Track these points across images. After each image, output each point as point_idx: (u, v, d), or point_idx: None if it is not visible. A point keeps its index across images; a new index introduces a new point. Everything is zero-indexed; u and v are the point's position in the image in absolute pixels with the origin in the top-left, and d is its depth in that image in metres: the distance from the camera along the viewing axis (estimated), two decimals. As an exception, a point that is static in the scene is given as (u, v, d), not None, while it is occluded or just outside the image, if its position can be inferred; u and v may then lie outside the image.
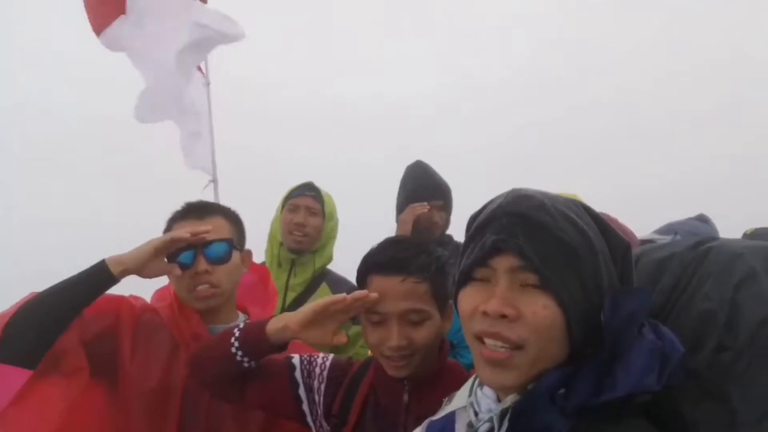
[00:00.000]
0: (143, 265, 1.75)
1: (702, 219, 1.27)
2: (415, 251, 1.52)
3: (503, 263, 1.01)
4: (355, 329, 2.74)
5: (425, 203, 3.10)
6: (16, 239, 4.88)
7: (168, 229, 1.92)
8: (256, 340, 1.60)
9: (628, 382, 0.93)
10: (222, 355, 1.63)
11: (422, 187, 3.19)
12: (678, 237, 1.39)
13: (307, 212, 2.99)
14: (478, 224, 1.07)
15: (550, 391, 0.97)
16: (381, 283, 1.50)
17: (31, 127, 5.21)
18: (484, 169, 5.60)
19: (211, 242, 1.81)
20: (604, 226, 1.06)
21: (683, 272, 1.11)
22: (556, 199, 1.05)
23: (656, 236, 1.38)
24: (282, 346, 1.63)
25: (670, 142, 6.39)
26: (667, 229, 1.38)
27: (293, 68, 6.22)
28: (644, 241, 1.52)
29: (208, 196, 3.46)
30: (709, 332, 1.01)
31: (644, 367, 0.93)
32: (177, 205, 1.93)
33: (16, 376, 1.61)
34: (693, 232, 1.35)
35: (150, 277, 1.82)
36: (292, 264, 2.99)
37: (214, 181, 3.61)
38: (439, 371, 1.54)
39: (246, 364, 1.61)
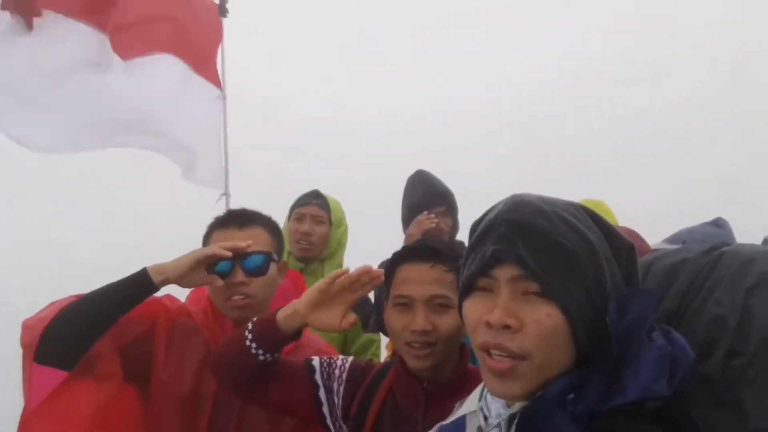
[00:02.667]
0: (183, 275, 1.76)
1: (717, 224, 1.23)
2: (447, 245, 1.56)
3: (504, 273, 0.99)
4: (366, 337, 2.76)
5: (431, 215, 3.05)
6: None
7: (208, 235, 1.93)
8: (268, 330, 1.60)
9: (637, 388, 0.90)
10: (238, 351, 1.62)
11: (424, 197, 3.16)
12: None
13: (312, 221, 2.97)
14: (479, 233, 1.05)
15: (559, 397, 0.95)
16: (410, 269, 1.52)
17: None
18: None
19: (249, 254, 1.81)
20: (606, 227, 1.04)
21: (695, 277, 1.08)
22: (555, 204, 1.03)
23: (666, 245, 1.36)
24: (294, 335, 1.62)
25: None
26: (675, 238, 1.35)
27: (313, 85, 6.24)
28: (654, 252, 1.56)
29: (220, 210, 3.42)
30: (721, 337, 0.98)
31: (654, 372, 0.91)
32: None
33: (52, 377, 1.64)
34: (702, 240, 1.32)
35: (189, 287, 1.84)
36: (301, 273, 2.90)
37: (226, 194, 3.62)
38: (458, 376, 1.53)
39: (262, 357, 1.60)
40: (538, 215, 0.99)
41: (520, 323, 0.96)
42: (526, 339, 0.96)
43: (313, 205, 3.01)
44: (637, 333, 0.95)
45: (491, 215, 1.04)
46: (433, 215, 3.06)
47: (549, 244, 0.97)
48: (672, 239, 1.26)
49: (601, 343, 0.96)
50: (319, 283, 1.59)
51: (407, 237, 3.11)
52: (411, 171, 3.28)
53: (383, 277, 1.56)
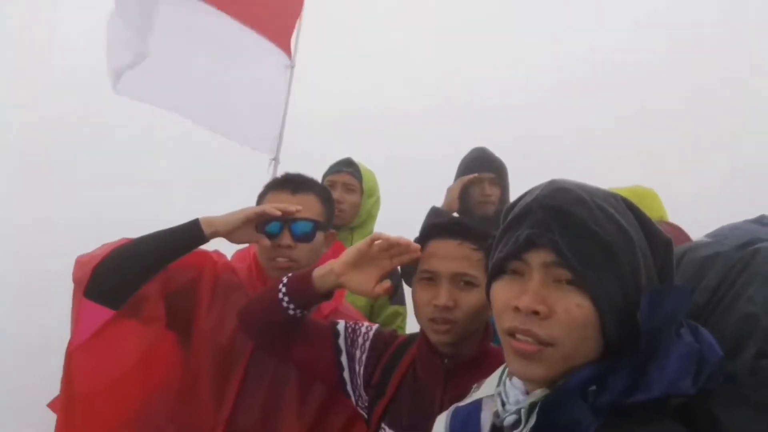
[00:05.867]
0: (233, 230, 1.80)
1: (762, 221, 1.19)
2: (477, 224, 1.54)
3: (537, 258, 0.97)
4: (392, 309, 2.75)
5: (475, 174, 3.04)
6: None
7: (263, 195, 1.96)
8: (302, 285, 1.61)
9: (662, 383, 0.88)
10: (270, 303, 1.64)
11: (474, 160, 3.14)
12: None
13: (343, 188, 2.93)
14: (514, 216, 1.03)
15: (581, 387, 0.93)
16: (438, 244, 1.51)
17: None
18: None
19: (298, 219, 1.84)
20: (644, 221, 1.01)
21: (728, 273, 1.05)
22: (595, 193, 1.00)
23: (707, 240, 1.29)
24: (327, 294, 1.63)
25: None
26: (716, 234, 1.29)
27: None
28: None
29: (269, 177, 3.43)
30: (751, 337, 0.95)
31: (680, 369, 0.89)
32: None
33: (100, 313, 1.69)
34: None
35: (237, 242, 1.88)
36: (329, 239, 2.98)
37: (276, 160, 3.63)
38: (480, 355, 1.52)
39: (291, 312, 1.62)
40: (576, 203, 0.96)
41: (550, 310, 0.94)
42: (555, 327, 0.94)
43: (345, 173, 2.98)
44: (667, 329, 0.93)
45: (528, 199, 1.02)
46: (476, 174, 3.04)
47: (586, 232, 0.94)
48: (713, 235, 1.23)
49: (630, 336, 0.94)
50: (359, 244, 1.59)
51: (447, 192, 3.10)
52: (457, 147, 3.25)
53: (420, 253, 1.55)
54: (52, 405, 1.77)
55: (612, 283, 0.94)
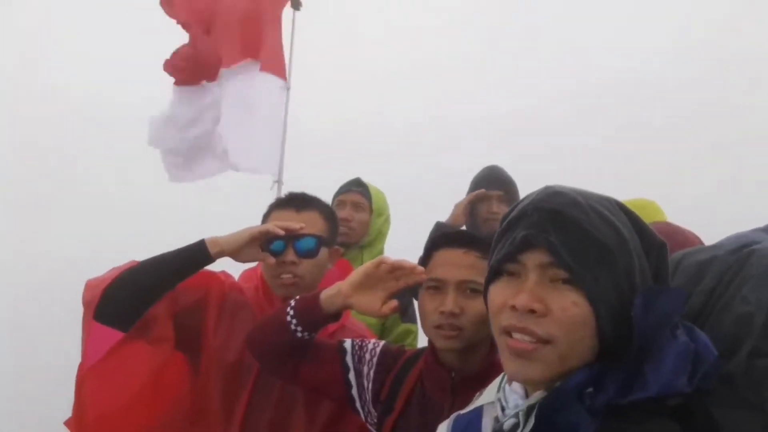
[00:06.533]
0: (238, 249, 1.83)
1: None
2: (483, 235, 1.57)
3: (533, 259, 0.97)
4: (403, 327, 2.75)
5: (482, 190, 3.04)
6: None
7: (268, 214, 1.99)
8: (310, 308, 1.62)
9: (659, 383, 0.88)
10: (278, 326, 1.65)
11: (484, 178, 3.14)
12: None
13: (353, 207, 2.96)
14: (510, 220, 1.04)
15: (578, 389, 0.93)
16: (445, 254, 1.53)
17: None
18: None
19: (302, 236, 1.86)
20: (638, 224, 1.02)
21: (723, 275, 1.06)
22: (589, 196, 1.01)
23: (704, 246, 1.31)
24: (335, 316, 1.64)
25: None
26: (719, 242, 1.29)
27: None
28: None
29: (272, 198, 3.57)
30: (746, 336, 0.96)
31: (676, 368, 0.89)
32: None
33: (109, 336, 1.71)
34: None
35: (243, 261, 1.90)
36: (340, 259, 2.99)
37: (279, 182, 3.72)
38: (487, 367, 1.50)
39: (299, 334, 1.62)
40: (571, 205, 0.98)
41: (546, 309, 0.95)
42: (552, 325, 0.94)
43: (354, 192, 3.02)
44: (662, 330, 0.93)
45: (524, 203, 1.03)
46: (484, 190, 3.04)
47: (580, 233, 0.95)
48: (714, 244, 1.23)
49: (625, 338, 0.94)
50: (366, 265, 1.61)
51: (454, 208, 3.10)
52: (455, 168, 3.28)
53: (424, 276, 1.55)
54: (68, 423, 1.79)
55: (607, 282, 0.94)
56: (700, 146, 5.68)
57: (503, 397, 1.08)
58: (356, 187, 3.06)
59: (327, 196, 3.00)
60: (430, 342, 1.57)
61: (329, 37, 5.55)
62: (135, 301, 1.76)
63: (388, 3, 6.38)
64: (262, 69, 3.67)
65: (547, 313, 0.95)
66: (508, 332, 0.99)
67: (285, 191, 2.18)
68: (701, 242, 1.88)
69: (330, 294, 1.62)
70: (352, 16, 6.04)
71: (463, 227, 3.10)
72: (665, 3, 6.13)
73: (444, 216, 3.16)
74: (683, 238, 1.98)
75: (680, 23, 6.05)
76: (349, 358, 1.68)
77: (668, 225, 2.12)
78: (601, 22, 6.21)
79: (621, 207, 1.04)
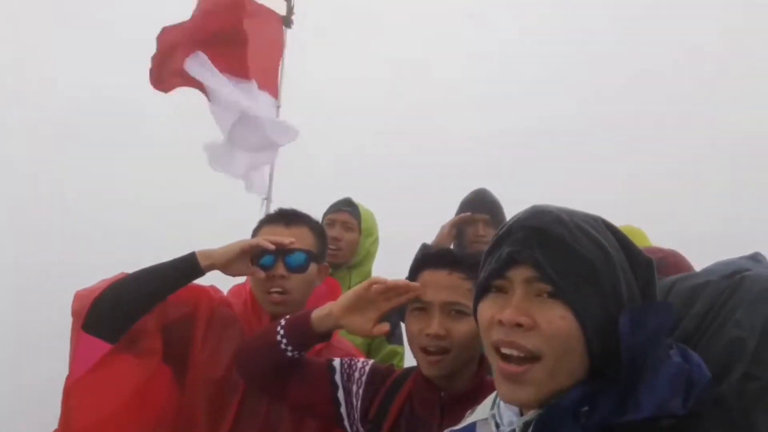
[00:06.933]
0: (229, 262, 1.82)
1: (756, 258, 1.20)
2: (467, 254, 1.57)
3: (519, 274, 0.99)
4: (390, 348, 2.76)
5: (468, 213, 3.06)
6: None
7: (258, 229, 2.00)
8: (300, 327, 1.63)
9: (652, 404, 0.89)
10: (267, 344, 1.66)
11: (471, 202, 3.16)
12: None
13: (342, 227, 2.97)
14: (496, 238, 1.05)
15: (573, 406, 0.93)
16: (429, 275, 1.53)
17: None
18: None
19: (292, 251, 1.87)
20: (625, 242, 1.03)
21: (716, 299, 1.06)
22: (574, 214, 1.03)
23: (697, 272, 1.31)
24: (325, 336, 1.65)
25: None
26: (709, 267, 1.30)
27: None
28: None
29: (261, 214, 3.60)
30: (738, 360, 0.96)
31: (669, 389, 0.89)
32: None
33: (97, 347, 1.70)
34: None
35: (233, 275, 1.89)
36: (328, 278, 2.99)
37: (268, 199, 3.75)
38: (476, 386, 1.52)
39: (289, 353, 1.63)
40: (556, 223, 0.99)
41: (533, 322, 0.95)
42: (539, 338, 0.95)
43: (344, 212, 3.03)
44: (652, 347, 0.94)
45: (510, 222, 1.05)
46: (469, 213, 3.06)
47: (565, 250, 0.97)
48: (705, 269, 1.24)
49: (615, 356, 0.94)
50: (357, 288, 1.62)
51: (440, 230, 3.10)
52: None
53: (419, 292, 1.55)
54: None
55: (592, 297, 0.95)
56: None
57: (498, 413, 1.09)
58: (346, 207, 3.07)
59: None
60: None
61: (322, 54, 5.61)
62: (124, 313, 1.75)
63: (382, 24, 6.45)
64: (261, 87, 3.74)
65: (534, 326, 0.95)
66: (497, 348, 0.99)
67: (274, 208, 2.20)
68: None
69: (321, 314, 1.63)
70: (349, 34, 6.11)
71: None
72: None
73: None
74: (687, 266, 2.00)
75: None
76: (338, 377, 1.68)
77: (675, 254, 2.13)
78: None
79: (607, 225, 1.05)
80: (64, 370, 1.75)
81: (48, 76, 5.26)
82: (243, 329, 1.93)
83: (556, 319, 0.95)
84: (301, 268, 1.90)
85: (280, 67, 3.99)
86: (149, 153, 5.31)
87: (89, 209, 5.11)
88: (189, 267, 1.81)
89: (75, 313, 1.75)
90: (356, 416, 1.63)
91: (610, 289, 0.96)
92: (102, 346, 1.72)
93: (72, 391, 1.71)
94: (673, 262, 1.98)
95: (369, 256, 3.13)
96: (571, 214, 1.03)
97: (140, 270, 1.81)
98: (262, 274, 1.86)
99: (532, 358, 0.96)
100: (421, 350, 1.51)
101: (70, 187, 5.20)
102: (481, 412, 1.17)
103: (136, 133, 5.32)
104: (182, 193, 5.18)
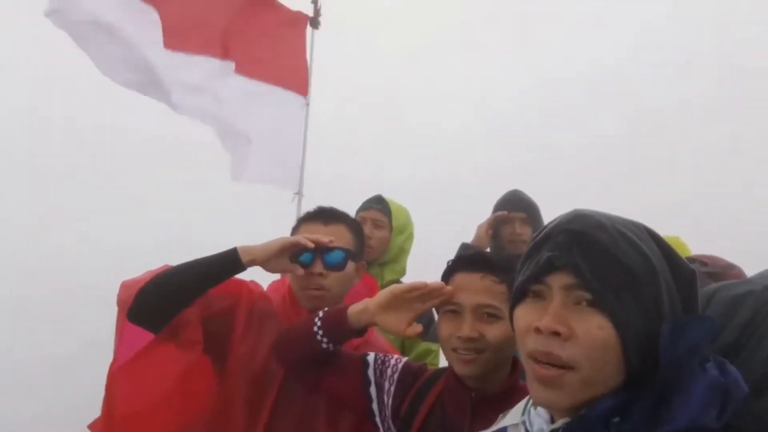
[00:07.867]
0: (269, 259, 1.85)
1: None
2: (501, 257, 1.57)
3: (558, 280, 0.97)
4: (424, 346, 2.76)
5: (504, 212, 3.09)
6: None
7: (296, 227, 2.03)
8: (337, 321, 1.65)
9: (686, 416, 0.87)
10: (305, 336, 1.68)
11: (506, 201, 3.19)
12: None
13: (372, 225, 2.99)
14: (535, 241, 1.03)
15: (604, 417, 0.92)
16: (462, 278, 1.54)
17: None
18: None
19: (331, 249, 1.89)
20: (668, 251, 1.00)
21: (758, 311, 1.05)
22: (616, 220, 1.00)
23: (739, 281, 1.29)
24: (360, 331, 1.67)
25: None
26: (754, 276, 1.29)
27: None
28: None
29: (293, 210, 3.68)
30: None
31: (705, 402, 0.87)
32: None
33: (141, 337, 1.75)
34: None
35: (272, 271, 1.93)
36: (360, 276, 3.00)
37: (300, 194, 3.80)
38: (508, 390, 1.51)
39: (325, 345, 1.66)
40: (597, 228, 0.97)
41: (571, 332, 0.93)
42: (576, 348, 0.93)
43: (374, 210, 3.05)
44: (690, 360, 0.91)
45: (550, 225, 1.03)
46: (506, 212, 3.09)
47: (606, 256, 0.94)
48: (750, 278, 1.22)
49: (654, 367, 0.92)
50: (395, 287, 1.63)
51: (477, 229, 3.15)
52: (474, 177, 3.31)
53: (452, 295, 1.56)
54: (92, 426, 1.83)
55: (633, 307, 0.93)
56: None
57: (528, 419, 1.08)
58: (375, 204, 3.09)
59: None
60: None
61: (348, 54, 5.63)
62: (167, 304, 1.80)
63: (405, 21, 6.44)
64: (283, 86, 3.82)
65: (572, 336, 0.93)
66: (534, 357, 0.98)
67: (305, 204, 2.22)
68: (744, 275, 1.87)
69: (357, 310, 1.65)
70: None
71: (488, 249, 3.13)
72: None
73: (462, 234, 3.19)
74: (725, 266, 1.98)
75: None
76: (370, 372, 1.70)
77: (735, 266, 2.09)
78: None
79: (650, 233, 1.02)
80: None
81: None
82: (282, 324, 1.95)
83: (595, 329, 0.93)
84: (340, 266, 1.92)
85: (308, 66, 4.06)
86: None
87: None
88: (231, 262, 1.84)
89: (120, 302, 1.80)
90: (387, 413, 1.65)
91: (651, 299, 0.94)
92: (145, 336, 1.76)
93: (116, 377, 1.75)
94: (736, 274, 1.93)
95: (402, 252, 3.14)
96: (613, 219, 1.01)
97: (183, 264, 1.85)
98: (301, 271, 1.88)
99: (567, 366, 0.94)
100: (453, 350, 1.51)
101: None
102: (512, 417, 1.16)
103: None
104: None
